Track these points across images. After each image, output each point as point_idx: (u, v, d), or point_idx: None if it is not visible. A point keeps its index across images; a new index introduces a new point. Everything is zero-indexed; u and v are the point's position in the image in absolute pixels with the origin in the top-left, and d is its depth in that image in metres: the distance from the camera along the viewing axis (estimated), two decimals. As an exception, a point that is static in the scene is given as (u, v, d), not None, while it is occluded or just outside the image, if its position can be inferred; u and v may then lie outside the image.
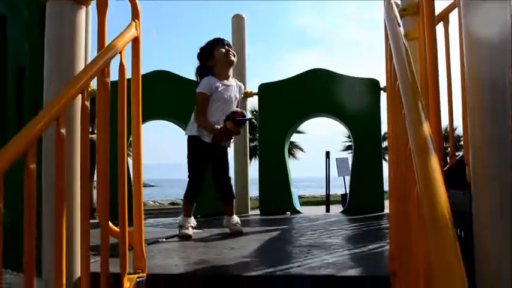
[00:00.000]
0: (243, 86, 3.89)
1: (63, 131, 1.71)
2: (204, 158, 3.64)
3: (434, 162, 1.16)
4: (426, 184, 1.10)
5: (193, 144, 3.64)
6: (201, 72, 3.74)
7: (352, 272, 2.21)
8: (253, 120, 3.81)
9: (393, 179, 2.11)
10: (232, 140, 3.81)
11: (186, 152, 3.69)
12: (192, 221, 3.65)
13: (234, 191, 3.85)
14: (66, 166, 1.81)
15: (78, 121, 2.09)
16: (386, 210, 4.98)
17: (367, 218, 4.69)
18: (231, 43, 3.79)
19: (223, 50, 3.65)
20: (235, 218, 3.66)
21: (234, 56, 3.70)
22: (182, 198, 3.81)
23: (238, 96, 3.78)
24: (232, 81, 3.74)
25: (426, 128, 1.29)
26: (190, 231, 3.54)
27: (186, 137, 3.72)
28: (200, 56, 3.76)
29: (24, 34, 2.77)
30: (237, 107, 3.75)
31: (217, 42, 3.70)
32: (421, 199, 1.10)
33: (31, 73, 2.72)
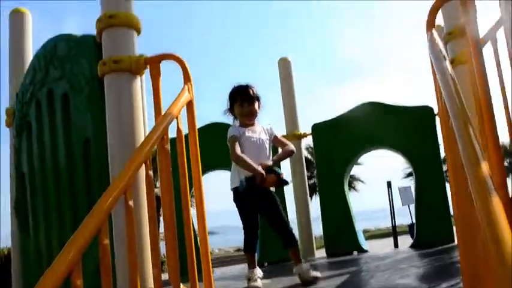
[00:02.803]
0: (270, 128, 3.86)
1: (131, 203, 1.81)
2: (251, 207, 3.64)
3: (495, 202, 1.15)
4: (491, 228, 1.09)
5: (238, 195, 3.67)
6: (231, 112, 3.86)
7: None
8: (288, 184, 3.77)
9: (458, 215, 2.06)
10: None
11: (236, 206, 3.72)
12: (258, 272, 3.61)
13: (296, 231, 3.77)
14: (136, 233, 1.90)
15: (143, 187, 2.20)
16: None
17: (438, 251, 4.52)
18: (252, 90, 3.75)
19: (240, 108, 3.72)
20: (305, 266, 3.58)
21: (253, 105, 3.72)
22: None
23: (268, 138, 3.78)
24: (257, 127, 3.79)
25: (484, 168, 1.27)
26: (258, 283, 3.50)
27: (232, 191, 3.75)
28: (228, 105, 3.87)
29: (87, 108, 2.96)
30: (270, 149, 3.75)
31: (236, 98, 3.77)
32: (487, 244, 1.09)
33: (96, 144, 2.88)
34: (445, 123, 1.97)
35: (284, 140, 3.86)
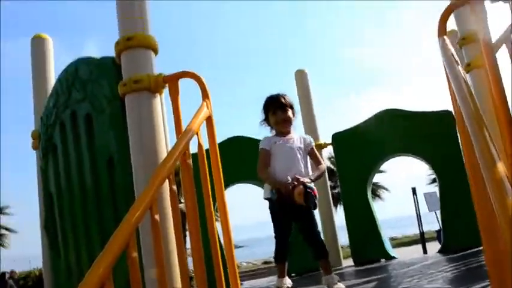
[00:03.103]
0: (308, 138, 3.86)
1: (157, 217, 1.86)
2: (283, 218, 3.66)
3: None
4: (509, 229, 1.10)
5: (272, 204, 3.70)
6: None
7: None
8: (314, 208, 3.69)
9: (480, 218, 2.06)
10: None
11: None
12: (288, 282, 3.62)
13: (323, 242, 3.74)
14: (163, 246, 1.95)
15: (168, 201, 2.26)
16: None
17: (465, 255, 4.48)
18: (284, 98, 3.78)
19: (274, 117, 3.76)
20: (335, 277, 3.54)
21: (287, 113, 3.75)
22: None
23: (303, 147, 3.79)
24: (293, 135, 3.79)
25: (500, 169, 1.29)
26: (287, 292, 3.53)
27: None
28: (263, 116, 3.91)
29: (109, 127, 3.04)
30: (304, 158, 3.73)
31: (269, 108, 3.81)
32: (507, 243, 1.11)
33: (120, 161, 2.96)
34: (462, 127, 1.98)
35: (319, 157, 3.86)
